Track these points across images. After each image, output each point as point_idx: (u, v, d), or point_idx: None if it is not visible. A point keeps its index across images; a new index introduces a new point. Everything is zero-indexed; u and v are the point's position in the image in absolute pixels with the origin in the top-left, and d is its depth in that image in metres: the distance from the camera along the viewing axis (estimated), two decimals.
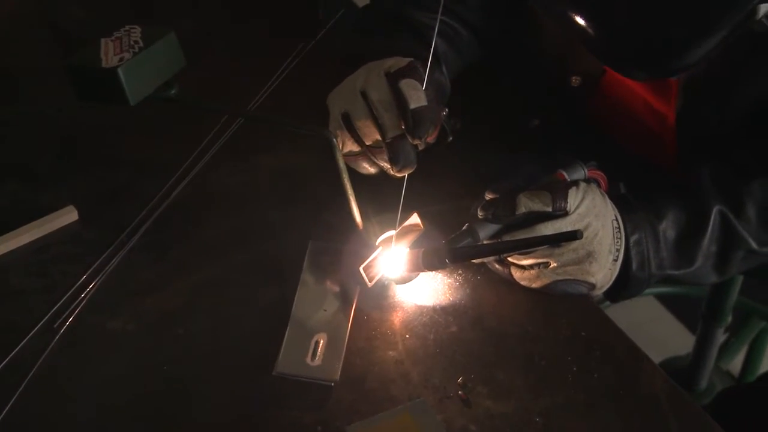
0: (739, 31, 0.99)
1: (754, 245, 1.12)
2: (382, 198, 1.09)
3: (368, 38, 1.31)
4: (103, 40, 1.01)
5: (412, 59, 1.12)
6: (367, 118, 1.09)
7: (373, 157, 1.14)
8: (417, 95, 1.05)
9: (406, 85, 1.06)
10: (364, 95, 1.09)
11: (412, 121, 1.04)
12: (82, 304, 1.04)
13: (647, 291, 1.17)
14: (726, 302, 1.95)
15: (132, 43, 1.00)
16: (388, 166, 1.10)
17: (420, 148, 1.09)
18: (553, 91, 1.40)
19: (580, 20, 1.04)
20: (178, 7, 1.69)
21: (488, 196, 1.07)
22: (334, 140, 1.04)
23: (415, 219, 1.09)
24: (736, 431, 1.00)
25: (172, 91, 1.03)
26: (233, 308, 1.06)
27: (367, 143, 1.11)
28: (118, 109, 1.00)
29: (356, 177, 1.11)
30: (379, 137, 1.09)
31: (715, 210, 1.11)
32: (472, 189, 1.16)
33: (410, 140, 1.07)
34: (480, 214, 1.05)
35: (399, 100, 1.06)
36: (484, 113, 1.44)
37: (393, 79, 1.08)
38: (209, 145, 1.29)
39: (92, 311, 1.04)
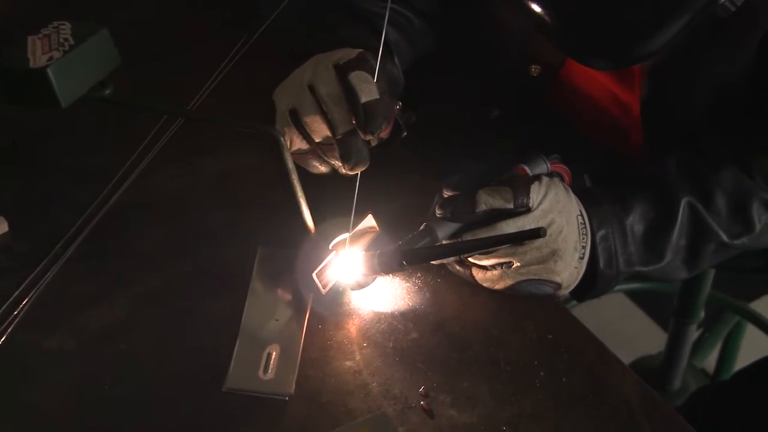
0: (702, 15, 1.00)
1: (724, 238, 1.14)
2: (334, 199, 1.08)
3: (315, 30, 1.31)
4: (29, 38, 1.00)
5: (362, 50, 1.11)
6: (316, 113, 1.08)
7: (323, 155, 1.13)
8: (368, 88, 1.05)
9: (357, 77, 1.06)
10: (312, 89, 1.09)
11: (364, 115, 1.04)
12: (15, 322, 1.03)
13: (616, 288, 1.18)
14: (698, 297, 1.97)
15: (62, 40, 0.99)
16: (340, 164, 1.10)
17: (373, 144, 1.10)
18: (512, 80, 1.40)
19: (536, 7, 1.05)
20: (110, 0, 1.67)
21: (446, 194, 1.07)
22: (282, 139, 1.04)
23: (369, 220, 1.09)
24: None
25: (107, 91, 1.03)
26: (178, 321, 1.05)
27: (317, 140, 1.11)
28: (49, 112, 0.99)
29: (306, 177, 1.11)
30: (329, 134, 1.09)
31: (683, 202, 1.12)
32: (429, 186, 1.16)
33: (362, 136, 1.06)
34: (438, 212, 1.05)
35: (349, 93, 1.06)
36: (440, 105, 1.45)
37: (342, 71, 1.07)
38: (148, 148, 1.28)
39: (26, 329, 1.02)
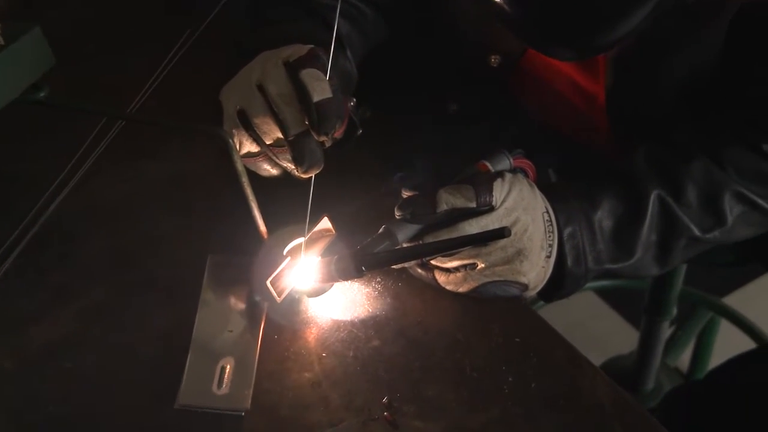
0: (669, 1, 1.01)
1: (696, 232, 1.15)
2: (287, 202, 1.08)
3: (262, 24, 1.30)
4: None
5: (312, 46, 1.11)
6: (266, 114, 1.07)
7: (274, 158, 1.13)
8: (320, 86, 1.04)
9: (308, 75, 1.05)
10: (261, 89, 1.08)
11: (317, 115, 1.03)
12: None
13: (585, 286, 1.19)
14: (670, 293, 1.99)
15: None
16: (293, 167, 1.10)
17: (327, 144, 1.09)
18: (470, 72, 1.41)
19: None
20: None
21: (405, 194, 1.08)
22: (231, 140, 1.02)
23: (325, 223, 1.08)
24: None
25: (42, 94, 1.01)
26: (126, 335, 1.04)
27: (267, 142, 1.10)
28: None
29: (258, 180, 1.11)
30: (280, 135, 1.08)
31: (653, 195, 1.13)
32: (386, 186, 1.16)
33: (315, 137, 1.06)
34: (397, 213, 1.05)
35: (300, 92, 1.05)
36: (395, 99, 1.45)
37: (293, 69, 1.07)
38: (87, 153, 1.27)
39: None
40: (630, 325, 2.69)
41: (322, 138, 1.06)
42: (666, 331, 2.09)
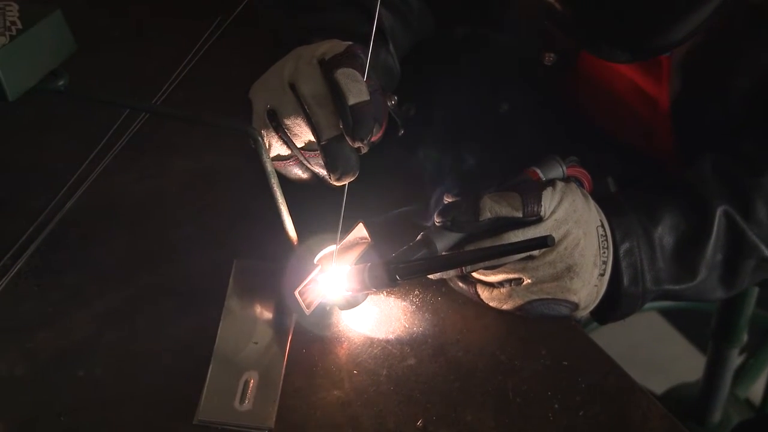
0: (731, 1, 1.00)
1: (767, 252, 1.15)
2: (320, 205, 1.08)
3: (296, 12, 1.29)
4: None
5: (350, 43, 1.10)
6: (298, 115, 1.07)
7: (306, 162, 1.12)
8: (357, 88, 1.03)
9: (344, 75, 1.04)
10: (293, 88, 1.08)
11: (352, 119, 1.03)
12: None
13: (646, 306, 1.18)
14: (739, 318, 1.97)
15: (8, 24, 0.99)
16: (325, 173, 1.09)
17: (363, 151, 1.08)
18: (523, 70, 1.41)
19: None
20: None
21: (447, 200, 1.08)
22: (260, 138, 1.02)
23: (360, 230, 1.09)
24: None
25: (61, 82, 1.02)
26: (142, 344, 1.06)
27: (299, 145, 1.10)
28: None
29: (289, 181, 1.13)
30: (312, 138, 1.08)
31: (719, 211, 1.13)
32: (427, 192, 1.17)
33: (350, 143, 1.05)
34: (437, 220, 1.06)
35: (335, 94, 1.04)
36: (440, 98, 1.43)
37: (328, 68, 1.06)
38: (108, 147, 1.29)
39: None
40: (697, 349, 2.66)
41: (357, 144, 1.05)
42: (735, 358, 2.06)
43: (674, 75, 1.26)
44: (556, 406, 1.00)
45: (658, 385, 2.27)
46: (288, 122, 1.08)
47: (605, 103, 1.40)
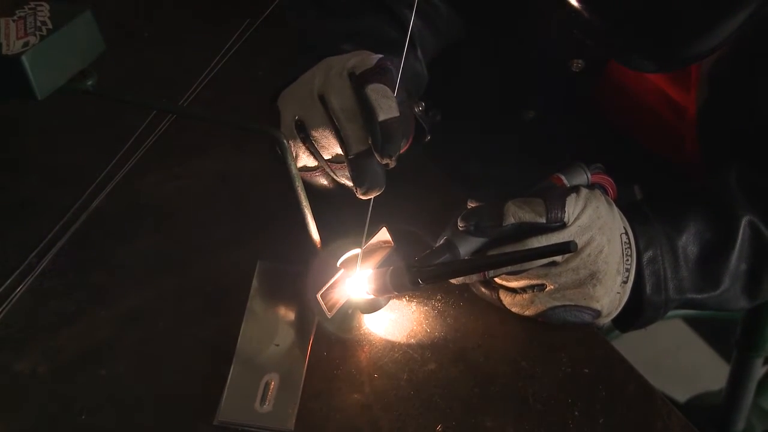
0: (762, 10, 1.00)
1: None
2: (344, 209, 1.09)
3: (324, 17, 1.29)
4: (3, 20, 1.00)
5: (381, 57, 1.09)
6: (326, 127, 1.06)
7: (332, 173, 1.12)
8: (387, 104, 1.02)
9: (374, 91, 1.03)
10: (322, 100, 1.07)
11: (381, 135, 1.02)
12: None
13: (670, 314, 1.18)
14: (764, 327, 1.94)
15: (39, 24, 0.99)
16: (351, 185, 1.08)
17: (390, 166, 1.06)
18: (550, 77, 1.41)
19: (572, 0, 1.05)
20: None
21: (470, 204, 1.08)
22: (286, 141, 1.02)
23: (383, 234, 1.09)
24: None
25: (89, 82, 1.02)
26: (165, 344, 1.06)
27: (326, 157, 1.09)
28: (23, 105, 1.00)
29: (313, 186, 1.12)
30: (340, 151, 1.07)
31: (744, 220, 1.12)
32: (451, 197, 1.17)
33: (378, 159, 1.04)
34: (460, 225, 1.05)
35: (365, 108, 1.03)
36: (467, 104, 1.43)
37: (359, 82, 1.05)
38: (134, 147, 1.30)
39: None
40: (722, 358, 2.65)
41: (386, 160, 1.03)
42: (759, 368, 2.05)
43: (702, 83, 1.26)
44: (577, 413, 1.00)
45: (681, 393, 2.26)
46: (316, 134, 1.07)
47: (632, 110, 1.40)
